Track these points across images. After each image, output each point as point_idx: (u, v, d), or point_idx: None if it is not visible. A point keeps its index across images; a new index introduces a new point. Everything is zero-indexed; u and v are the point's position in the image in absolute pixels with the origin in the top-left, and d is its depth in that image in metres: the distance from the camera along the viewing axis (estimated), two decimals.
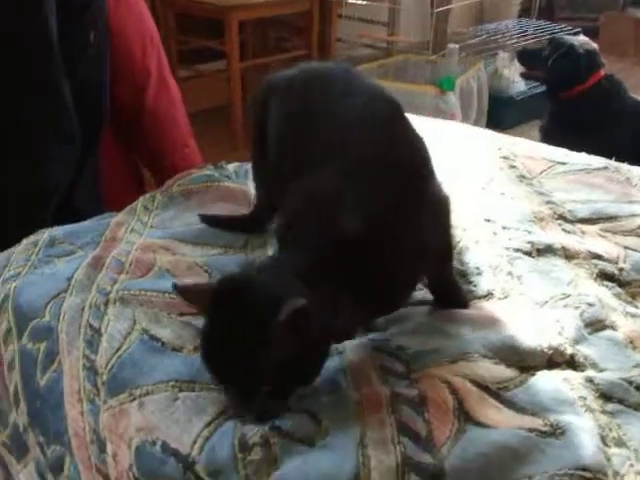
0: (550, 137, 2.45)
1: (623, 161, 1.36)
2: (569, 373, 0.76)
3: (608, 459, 0.65)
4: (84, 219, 1.45)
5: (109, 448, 0.73)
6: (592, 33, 4.38)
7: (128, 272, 0.94)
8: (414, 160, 0.79)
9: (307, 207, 0.75)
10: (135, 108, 1.71)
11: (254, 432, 0.66)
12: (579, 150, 2.12)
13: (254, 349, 0.64)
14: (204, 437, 0.68)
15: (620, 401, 0.72)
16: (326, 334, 0.69)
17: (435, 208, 0.79)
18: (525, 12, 4.60)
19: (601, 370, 0.76)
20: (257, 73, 3.24)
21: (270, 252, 1.01)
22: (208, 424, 0.69)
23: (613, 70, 3.91)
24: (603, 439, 0.67)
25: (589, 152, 1.45)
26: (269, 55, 3.14)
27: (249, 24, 3.00)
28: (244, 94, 3.00)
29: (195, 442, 0.68)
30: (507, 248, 0.97)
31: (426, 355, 0.76)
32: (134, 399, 0.74)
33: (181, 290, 0.73)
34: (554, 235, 1.02)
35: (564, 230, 1.04)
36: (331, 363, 0.76)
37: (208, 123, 2.87)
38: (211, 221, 1.08)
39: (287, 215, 0.79)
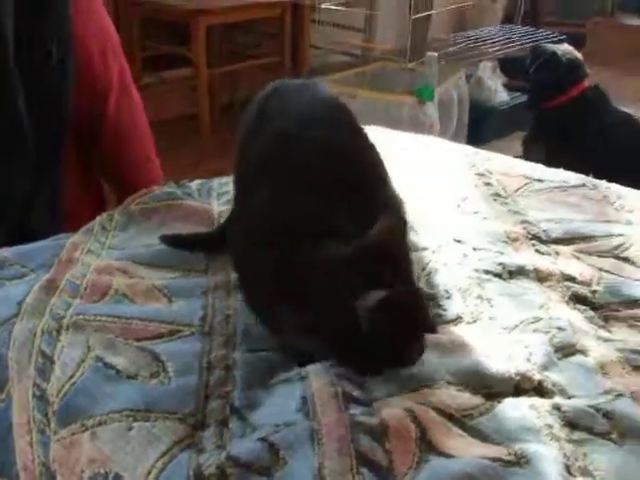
0: (532, 149, 2.52)
1: (605, 175, 1.42)
2: (536, 400, 0.78)
3: None
4: (37, 230, 1.47)
5: None
6: (579, 40, 4.49)
7: (83, 296, 0.96)
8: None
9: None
10: (95, 118, 1.72)
11: (210, 463, 0.68)
12: (561, 162, 2.18)
13: None
14: (158, 468, 0.70)
15: (587, 429, 0.74)
16: None
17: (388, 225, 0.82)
18: (509, 18, 4.70)
19: (569, 397, 0.79)
20: (225, 80, 3.28)
21: (234, 276, 1.04)
22: (163, 454, 0.71)
23: (600, 78, 4.00)
24: (568, 468, 0.69)
25: (571, 165, 1.50)
26: (238, 62, 3.18)
27: (217, 29, 3.04)
28: (212, 102, 3.04)
29: (149, 473, 0.69)
30: (477, 270, 1.01)
31: (390, 382, 0.79)
32: (86, 429, 0.75)
33: None
34: (527, 256, 1.06)
35: (537, 251, 1.07)
36: (292, 390, 0.79)
37: (174, 133, 2.90)
38: (172, 241, 1.10)
39: None
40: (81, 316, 0.91)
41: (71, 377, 0.81)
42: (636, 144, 2.30)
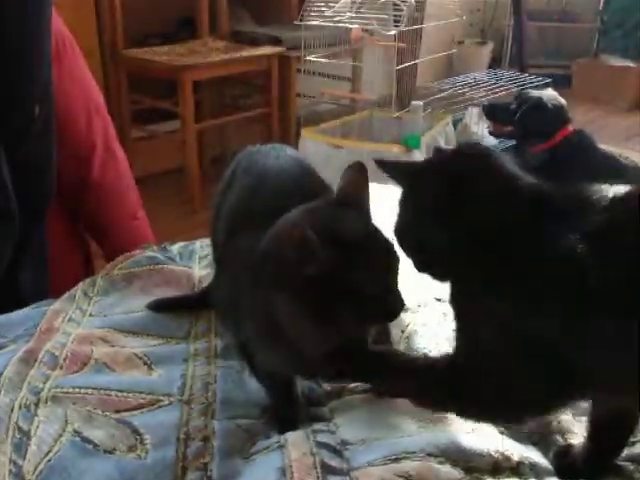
0: None
1: None
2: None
3: None
4: (26, 296, 1.47)
5: None
6: (565, 81, 4.58)
7: (62, 367, 0.97)
8: None
9: None
10: (80, 181, 1.75)
11: None
12: None
13: None
14: None
15: None
16: None
17: None
18: (497, 61, 4.79)
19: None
20: (215, 133, 3.33)
21: (215, 341, 1.05)
22: None
23: (587, 118, 4.09)
24: None
25: None
26: (227, 114, 3.22)
27: (205, 83, 3.08)
28: (201, 154, 3.07)
29: None
30: None
31: (369, 452, 0.79)
32: None
33: None
34: None
35: None
36: (271, 460, 0.79)
37: (161, 187, 2.93)
38: (158, 306, 1.12)
39: None
40: (59, 389, 0.91)
41: (47, 453, 0.81)
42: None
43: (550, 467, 0.81)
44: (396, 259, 0.76)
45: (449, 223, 0.73)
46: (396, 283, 0.76)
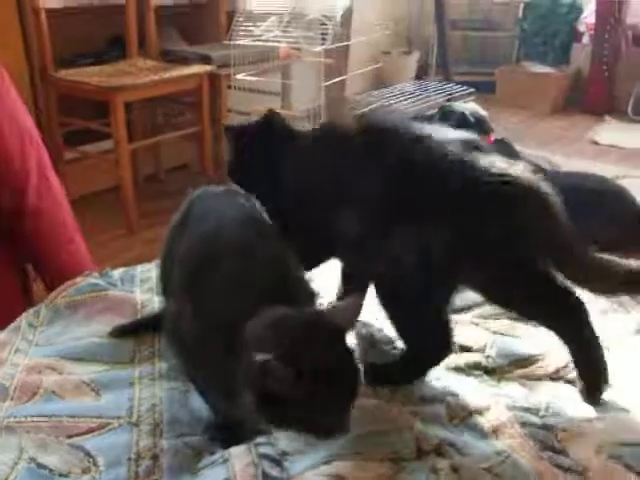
0: None
1: None
2: (437, 461, 0.87)
3: None
4: None
5: None
6: (489, 87, 4.72)
7: (13, 398, 1.02)
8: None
9: None
10: (16, 211, 1.77)
11: None
12: None
13: None
14: None
15: None
16: None
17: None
18: (423, 69, 4.92)
19: (465, 455, 0.89)
20: (149, 151, 3.36)
21: (159, 364, 1.11)
22: None
23: (510, 123, 4.24)
24: None
25: None
26: (160, 132, 3.25)
27: (136, 102, 3.11)
28: (135, 173, 3.10)
29: None
30: (376, 348, 1.11)
31: (304, 458, 0.87)
32: None
33: None
34: None
35: None
36: (216, 473, 0.86)
37: (97, 207, 2.94)
38: (120, 332, 1.18)
39: None
40: (12, 419, 0.96)
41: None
42: None
43: (469, 443, 0.90)
44: (357, 385, 0.81)
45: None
46: (349, 408, 0.80)
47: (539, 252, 1.00)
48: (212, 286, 0.91)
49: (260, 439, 0.92)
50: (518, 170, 0.98)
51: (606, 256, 1.05)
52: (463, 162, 0.96)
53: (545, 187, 1.00)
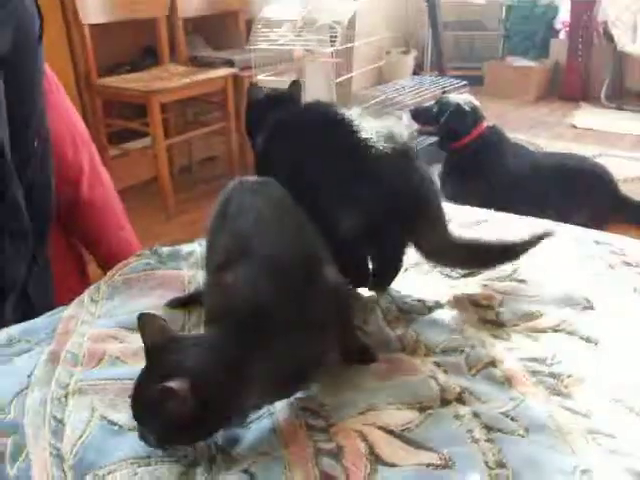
0: (445, 183, 2.63)
1: (507, 201, 1.51)
2: (459, 408, 0.86)
3: (492, 478, 0.76)
4: (36, 305, 1.50)
5: None
6: (477, 81, 4.68)
7: (82, 364, 1.01)
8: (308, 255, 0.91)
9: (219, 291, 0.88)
10: (71, 201, 1.77)
11: None
12: (472, 192, 2.29)
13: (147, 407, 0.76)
14: None
15: (499, 430, 0.82)
16: (223, 408, 0.77)
17: (329, 293, 0.89)
18: (419, 66, 4.87)
19: (484, 402, 0.87)
20: (182, 146, 3.35)
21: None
22: None
23: (498, 111, 4.20)
24: (487, 463, 0.77)
25: (479, 194, 1.60)
26: (191, 129, 3.24)
27: (169, 103, 3.10)
28: (171, 166, 3.10)
29: None
30: (401, 310, 1.10)
31: (342, 409, 0.86)
32: (99, 478, 0.79)
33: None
34: (442, 290, 1.15)
35: (450, 286, 1.16)
36: (263, 424, 0.85)
37: (139, 197, 2.94)
38: (175, 303, 1.17)
39: (208, 302, 0.92)
40: (83, 382, 0.96)
41: (81, 436, 0.86)
42: (527, 174, 2.43)
43: (486, 391, 0.89)
44: None
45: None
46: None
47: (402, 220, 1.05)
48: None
49: (300, 394, 0.91)
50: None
51: (466, 238, 1.12)
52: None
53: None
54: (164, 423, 0.75)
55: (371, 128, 1.05)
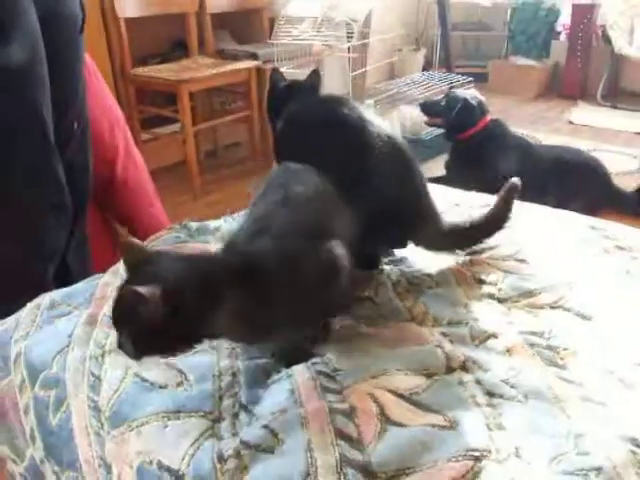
0: (452, 171, 2.62)
1: None
2: (463, 376, 0.86)
3: (492, 440, 0.75)
4: (74, 273, 1.51)
5: (114, 470, 0.81)
6: (482, 78, 4.64)
7: None
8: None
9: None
10: (107, 179, 1.78)
11: (228, 447, 0.75)
12: (476, 180, 2.27)
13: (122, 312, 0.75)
14: (190, 454, 0.76)
15: (500, 396, 0.82)
16: (192, 319, 0.75)
17: (323, 261, 0.86)
18: (429, 63, 4.83)
19: (486, 371, 0.87)
20: (208, 132, 3.35)
21: None
22: (192, 444, 0.77)
23: (501, 107, 4.16)
24: (488, 426, 0.77)
25: (483, 181, 1.58)
26: (217, 117, 3.23)
27: (197, 92, 3.09)
28: (197, 150, 3.10)
29: (183, 459, 0.75)
30: (411, 283, 1.09)
31: (355, 373, 0.85)
32: (132, 429, 0.81)
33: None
34: (447, 267, 1.14)
35: (456, 262, 1.15)
36: (283, 385, 0.85)
37: (168, 177, 2.95)
38: None
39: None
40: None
41: (116, 391, 0.87)
42: (527, 165, 2.41)
43: (488, 361, 0.88)
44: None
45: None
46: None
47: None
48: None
49: (315, 359, 0.91)
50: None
51: (454, 222, 1.12)
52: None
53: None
54: (137, 329, 0.73)
55: (375, 127, 1.03)
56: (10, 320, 1.10)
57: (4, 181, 1.29)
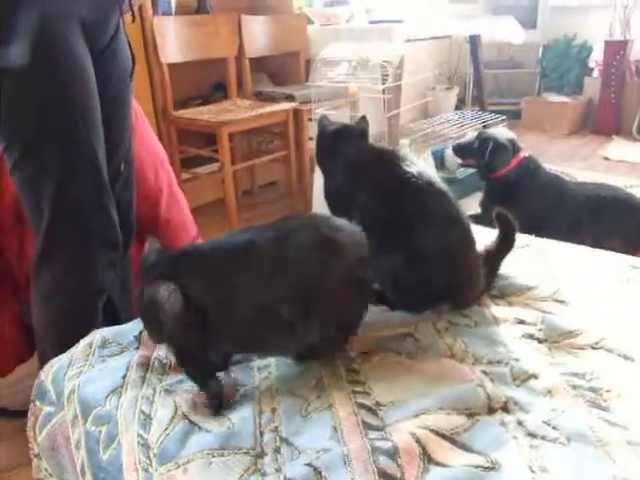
0: (487, 209, 2.60)
1: (543, 226, 1.50)
2: (504, 416, 0.86)
3: None
4: (118, 308, 1.55)
5: None
6: (515, 115, 4.65)
7: (169, 373, 1.04)
8: None
9: None
10: (151, 219, 1.83)
11: None
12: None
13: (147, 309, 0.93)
14: None
15: (542, 437, 0.82)
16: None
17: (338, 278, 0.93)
18: (461, 102, 4.86)
19: (527, 412, 0.87)
20: (246, 171, 3.41)
21: None
22: None
23: (534, 143, 4.16)
24: (530, 468, 0.77)
25: (518, 220, 1.58)
26: (255, 156, 3.30)
27: (236, 133, 3.16)
28: (236, 189, 3.16)
29: None
30: (450, 322, 1.10)
31: (397, 411, 0.86)
32: (179, 466, 0.83)
33: None
34: (487, 308, 1.14)
35: (496, 304, 1.16)
36: (323, 418, 0.86)
37: (207, 215, 3.00)
38: None
39: None
40: (170, 386, 0.99)
41: (165, 429, 0.89)
42: (562, 201, 2.39)
43: (530, 402, 0.88)
44: None
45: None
46: None
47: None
48: None
49: (356, 388, 0.91)
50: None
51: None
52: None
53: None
54: (163, 320, 0.89)
55: (421, 174, 1.08)
56: (64, 357, 1.14)
57: (63, 217, 1.34)
